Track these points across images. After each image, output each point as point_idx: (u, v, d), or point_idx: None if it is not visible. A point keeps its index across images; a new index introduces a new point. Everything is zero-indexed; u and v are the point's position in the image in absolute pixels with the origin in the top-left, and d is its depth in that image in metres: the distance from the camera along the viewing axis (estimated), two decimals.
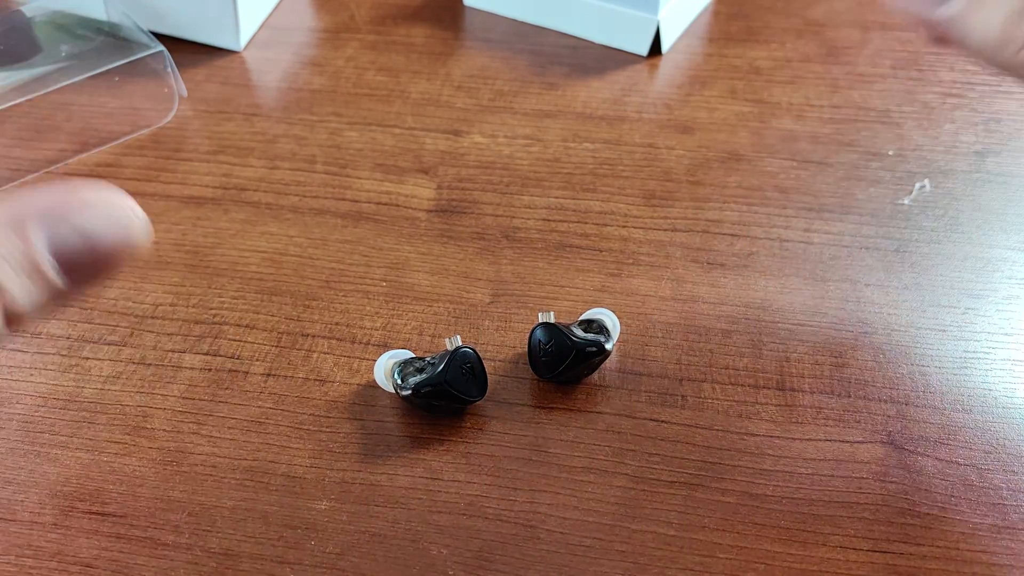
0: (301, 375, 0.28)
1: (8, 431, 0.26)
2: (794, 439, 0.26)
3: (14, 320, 0.18)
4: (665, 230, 0.33)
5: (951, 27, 0.21)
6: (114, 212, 0.19)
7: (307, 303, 0.30)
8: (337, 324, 0.30)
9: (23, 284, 0.18)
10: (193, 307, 0.30)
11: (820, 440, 0.26)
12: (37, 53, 0.38)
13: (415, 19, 0.46)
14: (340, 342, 0.29)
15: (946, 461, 0.25)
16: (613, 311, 0.28)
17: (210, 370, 0.28)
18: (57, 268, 0.18)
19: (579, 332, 0.27)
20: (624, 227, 0.33)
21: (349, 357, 0.28)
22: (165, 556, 0.23)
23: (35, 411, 0.27)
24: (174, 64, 0.38)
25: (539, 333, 0.27)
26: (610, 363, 0.28)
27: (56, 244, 0.18)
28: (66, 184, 0.19)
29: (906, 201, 0.34)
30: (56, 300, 0.19)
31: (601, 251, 0.32)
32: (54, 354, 0.29)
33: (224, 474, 0.25)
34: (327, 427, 0.26)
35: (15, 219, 0.18)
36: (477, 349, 0.27)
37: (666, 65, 0.42)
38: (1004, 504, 0.24)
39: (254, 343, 0.29)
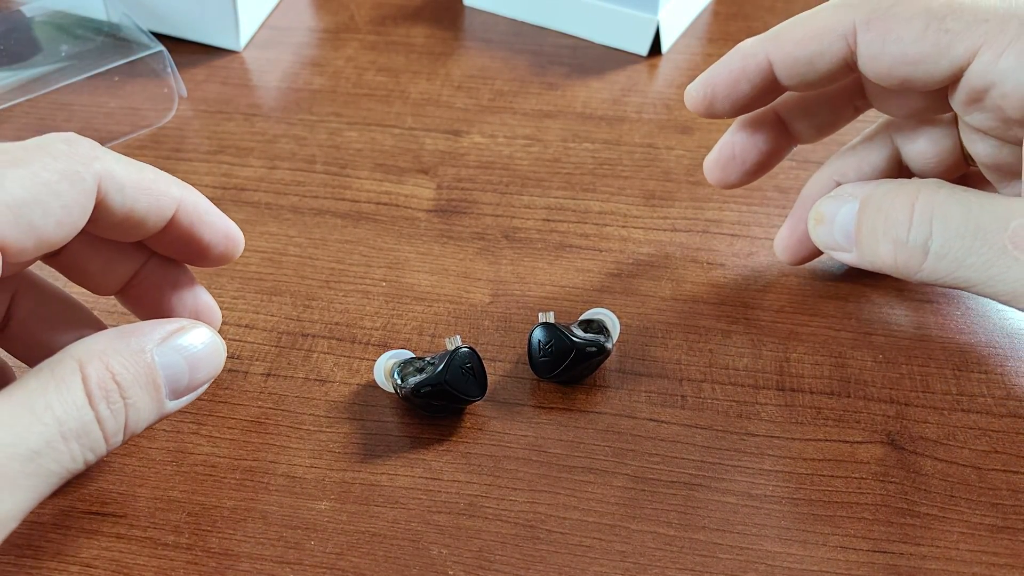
0: (301, 375, 0.28)
1: None
2: (794, 439, 0.26)
3: (128, 434, 0.20)
4: (665, 230, 0.33)
5: (860, 264, 0.25)
6: (210, 342, 0.22)
7: (307, 303, 0.30)
8: (337, 324, 0.30)
9: (145, 402, 0.20)
10: None
11: (820, 440, 0.26)
12: (37, 53, 0.38)
13: (415, 19, 0.46)
14: (340, 342, 0.29)
15: (946, 461, 0.25)
16: (613, 311, 0.28)
17: None
18: (168, 389, 0.21)
19: (579, 332, 0.27)
20: (624, 227, 0.33)
21: (349, 357, 0.28)
22: (165, 556, 0.23)
23: None
24: (174, 64, 0.38)
25: (539, 333, 0.27)
26: (610, 363, 0.28)
27: (167, 367, 0.21)
28: (172, 318, 0.22)
29: None
30: (162, 416, 0.21)
31: (601, 251, 0.32)
32: None
33: (224, 474, 0.25)
34: (327, 427, 0.26)
35: (140, 344, 0.21)
36: (477, 349, 0.27)
37: (666, 65, 0.42)
38: (1004, 504, 0.24)
39: (254, 343, 0.29)
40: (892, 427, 0.26)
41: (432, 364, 0.26)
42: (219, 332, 0.29)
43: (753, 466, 0.25)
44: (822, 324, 0.29)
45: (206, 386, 0.23)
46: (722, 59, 0.27)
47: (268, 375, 0.28)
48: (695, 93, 0.27)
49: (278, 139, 0.38)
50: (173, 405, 0.21)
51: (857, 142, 0.29)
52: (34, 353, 0.25)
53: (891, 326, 0.29)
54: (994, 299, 0.22)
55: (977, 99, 0.23)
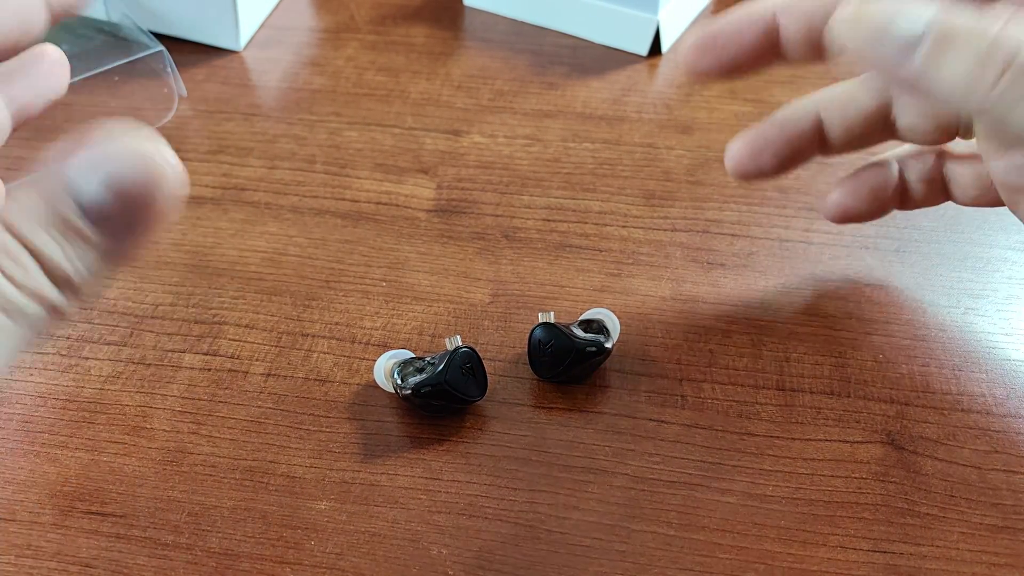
0: (301, 375, 0.28)
1: (8, 431, 0.26)
2: (794, 439, 0.26)
3: (67, 287, 0.17)
4: (665, 230, 0.33)
5: (919, 79, 0.21)
6: (141, 160, 0.18)
7: (307, 303, 0.30)
8: (337, 324, 0.30)
9: (61, 244, 0.17)
10: (193, 307, 0.30)
11: (820, 440, 0.26)
12: None
13: (415, 19, 0.46)
14: (340, 342, 0.29)
15: (946, 461, 0.25)
16: (613, 311, 0.28)
17: (210, 370, 0.28)
18: (92, 225, 0.17)
19: (579, 332, 0.27)
20: (624, 227, 0.33)
21: (349, 357, 0.28)
22: (165, 556, 0.23)
23: (35, 411, 0.27)
24: (174, 64, 0.38)
25: (539, 333, 0.27)
26: (610, 363, 0.28)
27: (85, 200, 0.17)
28: (94, 133, 0.18)
29: None
30: (104, 259, 0.18)
31: (601, 251, 0.32)
32: (54, 354, 0.29)
33: (224, 474, 0.25)
34: (327, 427, 0.26)
35: (40, 181, 0.17)
36: (477, 349, 0.27)
37: (666, 65, 0.42)
38: (1004, 504, 0.24)
39: (254, 343, 0.29)
40: (892, 427, 0.26)
41: (432, 364, 0.26)
42: (219, 332, 0.29)
43: (753, 466, 0.25)
44: (822, 324, 0.29)
45: (162, 208, 0.18)
46: (725, 15, 0.26)
47: (268, 375, 0.28)
48: (696, 43, 0.27)
49: (278, 139, 0.38)
50: (120, 238, 0.18)
51: (851, 81, 0.28)
52: None
53: (891, 326, 0.29)
54: None
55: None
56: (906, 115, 0.27)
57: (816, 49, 0.26)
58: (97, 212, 0.17)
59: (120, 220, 0.18)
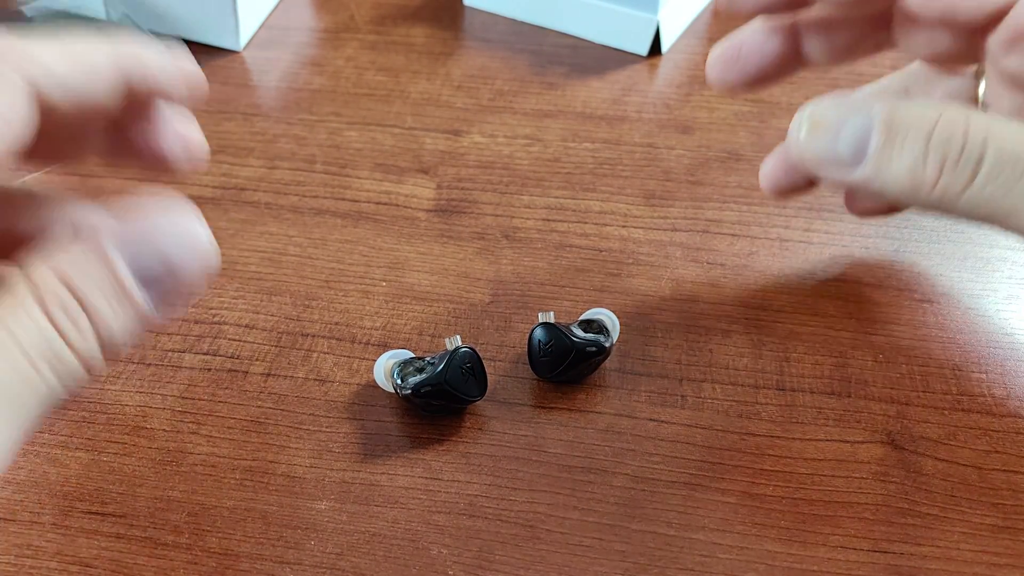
0: (301, 375, 0.28)
1: None
2: (794, 439, 0.26)
3: (107, 348, 0.18)
4: (665, 230, 0.33)
5: (867, 186, 0.22)
6: (191, 237, 0.19)
7: (307, 303, 0.30)
8: (337, 324, 0.30)
9: (115, 309, 0.18)
10: (193, 307, 0.30)
11: (820, 440, 0.26)
12: None
13: (415, 19, 0.46)
14: (340, 342, 0.29)
15: (946, 461, 0.25)
16: (613, 311, 0.28)
17: (209, 370, 0.28)
18: (143, 293, 0.18)
19: (579, 332, 0.27)
20: (624, 227, 0.33)
21: (349, 357, 0.28)
22: (165, 556, 0.23)
23: None
24: None
25: (539, 333, 0.27)
26: (610, 363, 0.28)
27: (140, 269, 0.18)
28: (141, 203, 0.19)
29: None
30: (143, 326, 0.18)
31: (601, 251, 0.32)
32: None
33: (224, 474, 0.25)
34: (327, 427, 0.26)
35: (100, 245, 0.18)
36: (477, 349, 0.27)
37: (666, 65, 0.42)
38: (1004, 504, 0.24)
39: (254, 343, 0.29)
40: (892, 427, 0.26)
41: (432, 364, 0.26)
42: (219, 332, 0.29)
43: (753, 466, 0.25)
44: (822, 324, 0.29)
45: (199, 280, 0.19)
46: None
47: (268, 375, 0.28)
48: None
49: (278, 139, 0.38)
50: (158, 310, 0.18)
51: (869, 88, 0.28)
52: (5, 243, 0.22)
53: (891, 326, 0.29)
54: None
55: (1019, 39, 0.22)
56: (914, 37, 0.26)
57: (841, 50, 0.27)
58: (149, 283, 0.18)
59: (168, 293, 0.19)
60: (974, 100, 0.26)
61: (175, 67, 0.22)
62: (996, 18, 0.22)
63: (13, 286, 0.17)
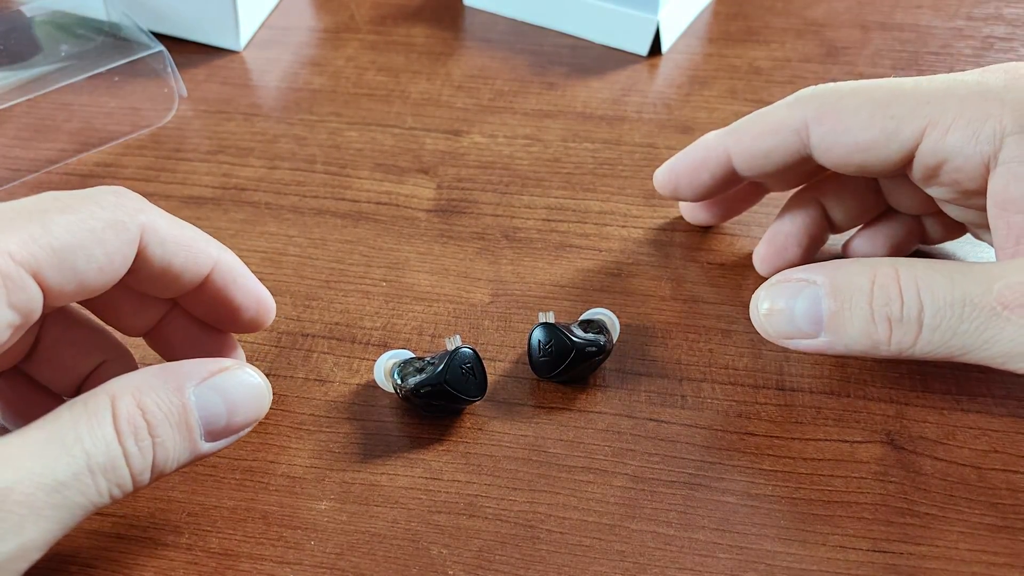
0: (301, 375, 0.28)
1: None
2: (794, 439, 0.26)
3: (157, 473, 0.20)
4: (665, 230, 0.33)
5: (831, 350, 0.24)
6: (254, 387, 0.22)
7: (307, 303, 0.30)
8: (337, 324, 0.30)
9: (176, 441, 0.20)
10: None
11: (820, 440, 0.26)
12: (37, 53, 0.38)
13: (415, 19, 0.46)
14: (340, 342, 0.29)
15: (946, 461, 0.25)
16: (613, 311, 0.28)
17: None
18: (203, 431, 0.21)
19: (579, 332, 0.27)
20: (624, 227, 0.33)
21: (349, 357, 0.28)
22: (165, 556, 0.23)
23: None
24: (174, 64, 0.38)
25: (539, 333, 0.27)
26: (610, 363, 0.28)
27: (204, 408, 0.21)
28: (223, 357, 0.22)
29: None
30: (195, 460, 0.21)
31: (601, 251, 0.32)
32: None
33: (224, 474, 0.25)
34: (327, 427, 0.26)
35: (177, 382, 0.20)
36: (477, 349, 0.27)
37: (666, 65, 0.42)
38: (1004, 504, 0.24)
39: (254, 343, 0.29)
40: (892, 427, 0.26)
41: (432, 364, 0.26)
42: None
43: (753, 466, 0.25)
44: None
45: (248, 429, 0.22)
46: (686, 149, 0.29)
47: (268, 375, 0.28)
48: (662, 179, 0.30)
49: (278, 139, 0.38)
50: (209, 447, 0.21)
51: (787, 207, 0.31)
52: (59, 377, 0.25)
53: None
54: (989, 363, 0.22)
55: (933, 175, 0.25)
56: (895, 197, 0.29)
57: (858, 213, 0.30)
58: (210, 425, 0.21)
59: (221, 434, 0.21)
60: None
61: (256, 288, 0.25)
62: (907, 160, 0.25)
63: (96, 401, 0.20)
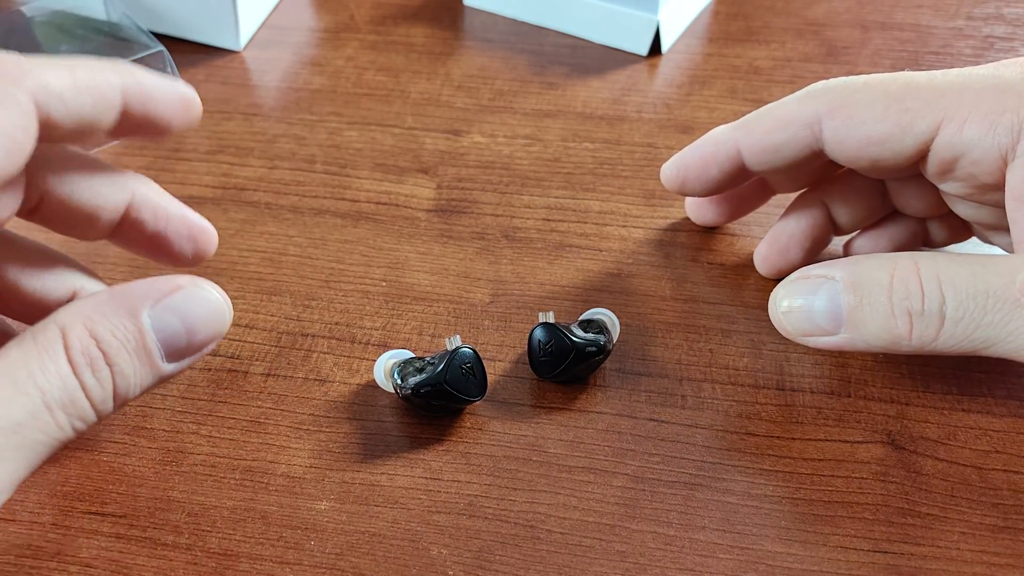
0: (301, 375, 0.28)
1: None
2: (794, 439, 0.26)
3: (120, 400, 0.20)
4: (665, 230, 0.33)
5: (851, 346, 0.23)
6: (211, 302, 0.21)
7: (307, 303, 0.30)
8: (337, 324, 0.30)
9: (135, 367, 0.19)
10: None
11: (820, 440, 0.26)
12: (37, 53, 0.38)
13: (415, 19, 0.46)
14: (340, 342, 0.29)
15: (946, 461, 0.25)
16: (613, 311, 0.28)
17: (210, 370, 0.28)
18: (163, 353, 0.20)
19: (579, 332, 0.27)
20: (624, 227, 0.33)
21: (349, 357, 0.28)
22: (165, 556, 0.23)
23: None
24: (174, 64, 0.38)
25: (539, 333, 0.27)
26: (610, 363, 0.28)
27: (162, 330, 0.20)
28: (175, 276, 0.21)
29: None
30: (157, 383, 0.20)
31: (601, 251, 0.32)
32: None
33: (224, 474, 0.25)
34: (327, 427, 0.26)
35: (130, 307, 0.19)
36: (477, 349, 0.27)
37: (666, 65, 0.42)
38: (1005, 504, 0.24)
39: (254, 343, 0.29)
40: (892, 427, 0.26)
41: (432, 364, 0.26)
42: None
43: (753, 466, 0.25)
44: None
45: (211, 346, 0.21)
46: (695, 143, 0.29)
47: (268, 375, 0.28)
48: (669, 173, 0.29)
49: (278, 139, 0.38)
50: (173, 367, 0.20)
51: (792, 207, 0.30)
52: (27, 311, 0.24)
53: None
54: (1014, 356, 0.22)
55: (948, 169, 0.24)
56: (902, 198, 0.29)
57: (865, 215, 0.29)
58: (170, 347, 0.20)
59: (182, 353, 0.20)
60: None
61: (173, 91, 0.22)
62: (921, 155, 0.24)
63: (46, 335, 0.19)
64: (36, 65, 0.19)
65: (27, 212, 0.22)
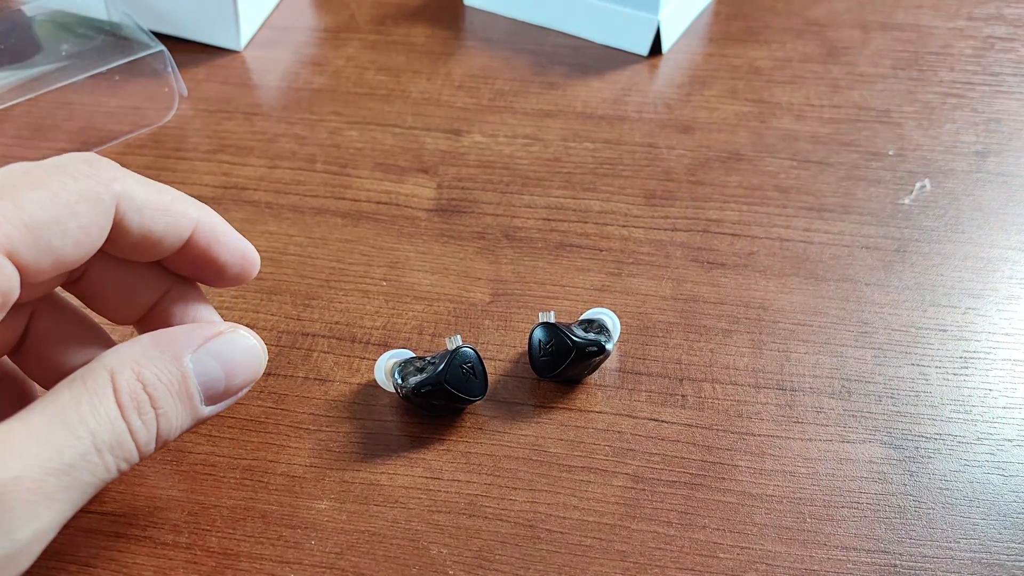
0: (301, 374, 0.28)
1: None
2: (794, 439, 0.26)
3: (161, 442, 0.20)
4: (665, 229, 0.33)
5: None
6: (249, 349, 0.22)
7: (307, 302, 0.30)
8: (337, 323, 0.30)
9: (178, 410, 0.20)
10: None
11: (820, 440, 0.26)
12: (37, 52, 0.38)
13: (415, 19, 0.46)
14: (340, 341, 0.29)
15: (946, 461, 0.25)
16: (613, 311, 0.28)
17: None
18: (202, 396, 0.21)
19: (579, 332, 0.27)
20: (624, 227, 0.33)
21: (349, 356, 0.28)
22: (164, 555, 0.23)
23: None
24: (174, 63, 0.38)
25: (539, 333, 0.27)
26: (610, 363, 0.28)
27: (203, 374, 0.21)
28: (216, 324, 0.22)
29: (906, 201, 0.34)
30: (196, 425, 0.21)
31: (601, 251, 0.32)
32: None
33: (223, 473, 0.25)
34: (327, 427, 0.26)
35: (175, 352, 0.20)
36: (477, 349, 0.27)
37: (666, 65, 0.42)
38: (1004, 504, 0.24)
39: None
40: (892, 427, 0.26)
41: (432, 364, 0.26)
42: None
43: (753, 466, 0.25)
44: (822, 324, 0.29)
45: (246, 390, 0.22)
46: None
47: (268, 374, 0.28)
48: None
49: (278, 138, 0.38)
50: (209, 410, 0.21)
51: None
52: (49, 374, 0.24)
53: (891, 326, 0.29)
54: None
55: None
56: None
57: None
58: (209, 391, 0.21)
59: (220, 398, 0.21)
60: None
61: (239, 243, 0.24)
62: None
63: (95, 378, 0.19)
64: (128, 175, 0.21)
65: (70, 283, 0.23)
